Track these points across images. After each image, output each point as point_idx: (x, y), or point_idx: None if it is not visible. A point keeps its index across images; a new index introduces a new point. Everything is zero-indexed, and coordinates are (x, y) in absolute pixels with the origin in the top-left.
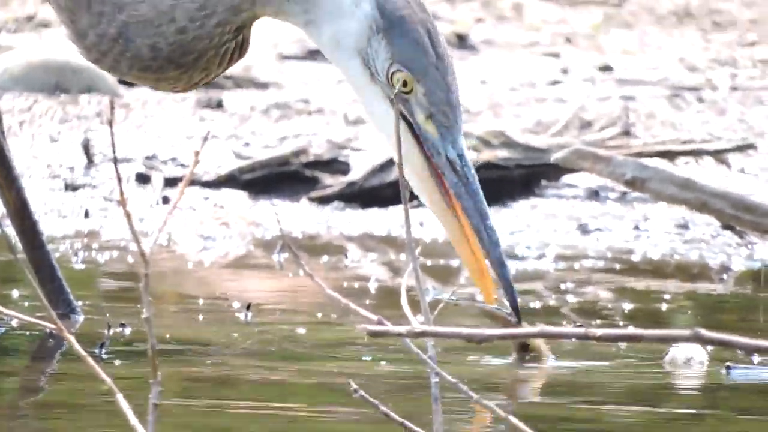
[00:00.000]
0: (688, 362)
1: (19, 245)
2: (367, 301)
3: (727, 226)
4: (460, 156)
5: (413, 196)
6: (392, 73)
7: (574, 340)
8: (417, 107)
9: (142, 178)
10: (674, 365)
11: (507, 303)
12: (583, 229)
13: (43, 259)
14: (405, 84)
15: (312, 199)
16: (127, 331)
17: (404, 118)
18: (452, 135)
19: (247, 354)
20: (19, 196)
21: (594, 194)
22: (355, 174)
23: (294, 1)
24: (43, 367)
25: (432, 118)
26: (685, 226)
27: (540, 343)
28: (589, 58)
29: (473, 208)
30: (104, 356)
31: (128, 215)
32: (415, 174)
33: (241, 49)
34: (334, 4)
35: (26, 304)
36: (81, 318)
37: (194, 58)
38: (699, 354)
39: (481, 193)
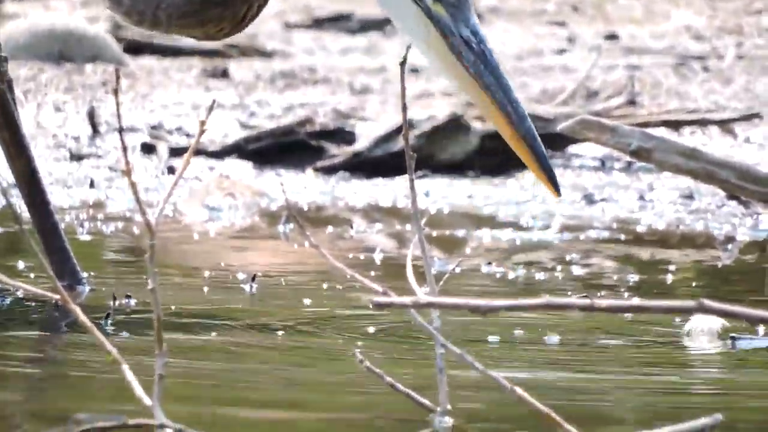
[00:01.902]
0: (698, 333)
1: (26, 215)
2: (373, 273)
3: (732, 197)
4: (474, 33)
5: (419, 166)
6: None
7: (579, 311)
8: None
9: (148, 148)
10: (689, 336)
11: (545, 175)
12: (589, 200)
13: (52, 230)
14: None
15: (317, 170)
16: (133, 302)
17: (417, 3)
18: (463, 14)
19: (252, 325)
20: (28, 165)
21: (600, 164)
22: (361, 144)
23: None
24: (49, 338)
25: (440, 0)
26: (690, 197)
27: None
28: (595, 27)
29: (495, 84)
30: (110, 327)
31: (133, 185)
32: (435, 54)
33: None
34: None
35: (32, 275)
36: (87, 289)
37: None
38: (711, 325)
39: (501, 67)
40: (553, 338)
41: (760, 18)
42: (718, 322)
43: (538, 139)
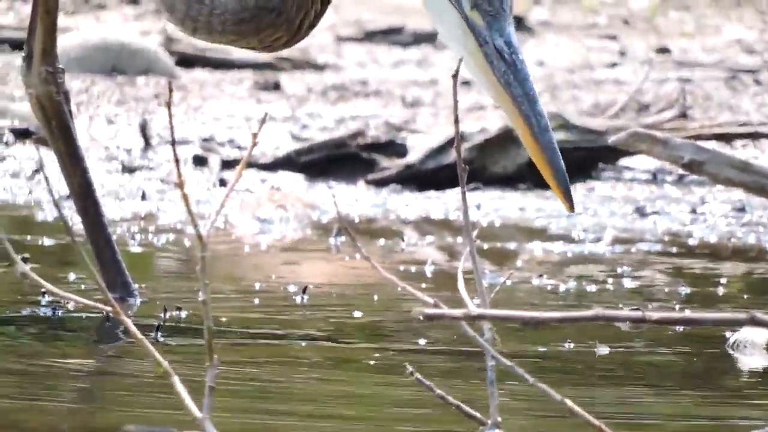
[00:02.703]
0: (748, 346)
1: (78, 227)
2: (424, 285)
3: None
4: (508, 43)
5: (470, 179)
6: None
7: (630, 323)
8: None
9: (199, 161)
10: (736, 349)
11: (559, 188)
12: (641, 212)
13: (105, 242)
14: None
15: (369, 182)
16: (184, 314)
17: (456, 9)
18: (499, 23)
19: (302, 337)
20: (84, 177)
21: (651, 177)
22: (413, 156)
23: None
24: (100, 350)
25: (477, 8)
26: (742, 209)
27: None
28: (646, 40)
29: (522, 95)
30: (160, 339)
31: (185, 197)
32: (472, 61)
33: (323, 7)
34: None
35: (83, 286)
36: (138, 301)
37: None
38: (761, 337)
39: (531, 78)
40: (603, 350)
41: None
42: (764, 335)
43: (558, 152)
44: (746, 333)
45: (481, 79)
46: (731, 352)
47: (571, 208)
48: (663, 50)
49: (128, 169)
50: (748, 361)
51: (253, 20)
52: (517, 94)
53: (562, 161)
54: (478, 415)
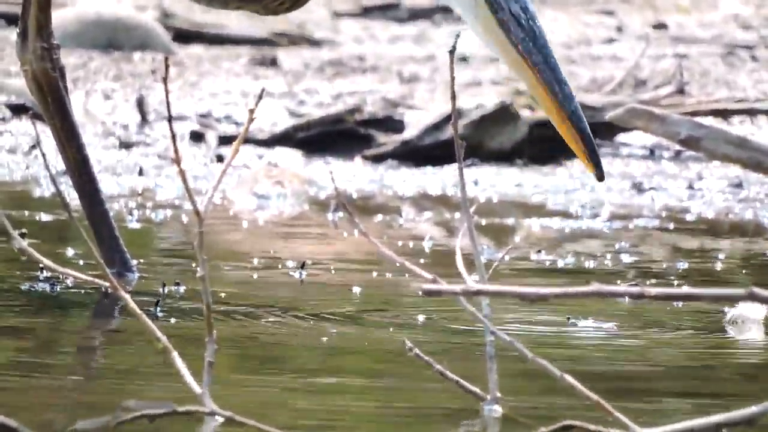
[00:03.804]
0: (743, 321)
1: (76, 203)
2: (422, 261)
3: None
4: (524, 9)
5: (467, 155)
6: None
7: (628, 299)
8: None
9: (197, 136)
10: (734, 325)
11: (588, 156)
12: (638, 188)
13: (102, 218)
14: None
15: (366, 158)
16: (182, 289)
17: None
18: None
19: (301, 312)
20: (80, 153)
21: (649, 153)
22: (410, 132)
23: None
24: (99, 325)
25: None
26: (739, 185)
27: None
28: (643, 15)
29: (543, 62)
30: (159, 314)
31: (182, 173)
32: (483, 28)
33: None
34: None
35: (81, 262)
36: (136, 276)
37: None
38: (757, 313)
39: (549, 45)
40: (605, 325)
41: None
42: (762, 311)
43: (584, 119)
44: (744, 309)
45: (496, 48)
46: (728, 327)
47: (601, 177)
48: (660, 26)
49: (125, 145)
50: (746, 337)
51: None
52: (537, 61)
53: (589, 129)
54: (477, 390)
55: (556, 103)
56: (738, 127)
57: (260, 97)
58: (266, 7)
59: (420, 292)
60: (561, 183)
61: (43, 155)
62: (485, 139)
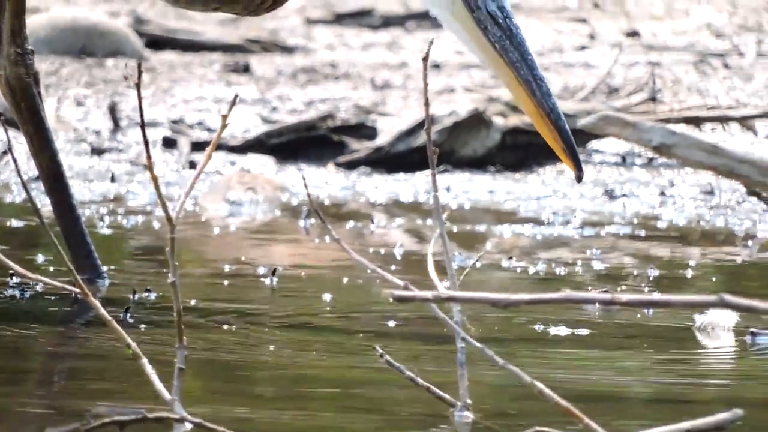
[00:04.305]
0: (716, 328)
1: (47, 209)
2: (393, 267)
3: (752, 193)
4: (501, 8)
5: (440, 162)
6: None
7: (599, 306)
8: None
9: (169, 143)
10: (703, 331)
11: (567, 154)
12: (610, 195)
13: (73, 224)
14: None
15: (339, 165)
16: (153, 295)
17: None
18: None
19: (272, 319)
20: (52, 159)
21: (621, 160)
22: (382, 139)
23: None
24: (69, 332)
25: None
26: (710, 193)
27: None
28: (616, 23)
29: (520, 59)
30: (130, 321)
31: (154, 179)
32: (460, 27)
33: None
34: None
35: (52, 268)
36: (107, 283)
37: None
38: (726, 320)
39: (527, 43)
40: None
41: None
42: (732, 318)
43: (563, 117)
44: (713, 316)
45: (473, 46)
46: (698, 334)
47: (580, 175)
48: (632, 33)
49: (97, 151)
50: (715, 344)
51: None
52: (514, 59)
53: (567, 127)
54: (447, 396)
55: (534, 101)
56: (710, 134)
57: (233, 103)
58: (246, 8)
59: (391, 299)
60: (533, 190)
61: (15, 161)
62: (458, 146)
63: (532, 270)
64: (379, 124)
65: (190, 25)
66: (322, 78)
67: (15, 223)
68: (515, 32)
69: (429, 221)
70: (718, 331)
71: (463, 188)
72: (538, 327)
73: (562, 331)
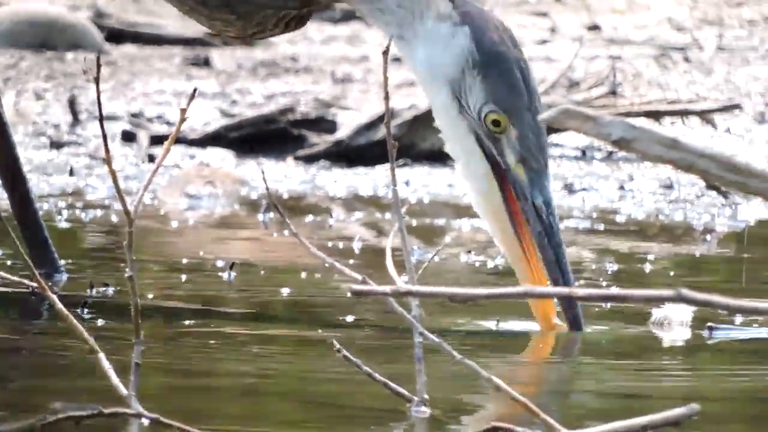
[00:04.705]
0: (672, 322)
1: (4, 203)
2: (352, 261)
3: (711, 187)
4: (547, 204)
5: (399, 155)
6: (487, 113)
7: (557, 300)
8: (509, 149)
9: (128, 136)
10: (659, 326)
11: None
12: (569, 189)
13: (31, 218)
14: (497, 124)
15: (298, 158)
16: (111, 290)
17: (492, 157)
18: (541, 181)
19: (230, 313)
20: (9, 152)
21: (580, 154)
22: (342, 133)
23: (385, 11)
24: (25, 326)
25: (524, 163)
26: (670, 187)
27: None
28: (577, 17)
29: (554, 261)
30: (87, 315)
31: (113, 173)
32: (494, 216)
33: (302, 20)
34: (431, 30)
35: (9, 262)
36: (65, 277)
37: (250, 11)
38: (683, 315)
39: (563, 244)
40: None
41: (741, 9)
42: (689, 312)
43: (581, 322)
44: (670, 310)
45: (500, 237)
46: (655, 329)
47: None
48: (593, 27)
49: (56, 145)
50: (672, 338)
51: (213, 9)
52: (548, 258)
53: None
54: (405, 392)
55: (563, 307)
56: (670, 128)
57: (192, 96)
58: (212, 27)
59: (350, 293)
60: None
61: None
62: (417, 140)
63: (491, 264)
64: (339, 117)
65: (151, 19)
66: (282, 71)
67: None
68: (555, 230)
69: (388, 215)
70: (674, 325)
71: (423, 182)
72: (493, 322)
73: (517, 325)
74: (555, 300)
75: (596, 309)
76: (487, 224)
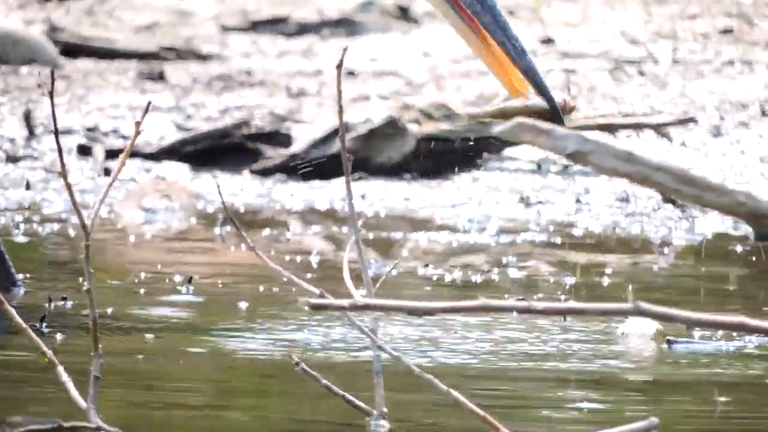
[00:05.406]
0: (632, 336)
1: None
2: (309, 275)
3: (668, 200)
4: None
5: (355, 169)
6: None
7: (516, 313)
8: None
9: (84, 150)
10: (624, 339)
11: (553, 110)
12: (525, 202)
13: None
14: None
15: (254, 172)
16: (69, 304)
17: None
18: None
19: (188, 327)
20: None
21: (536, 167)
22: (297, 146)
23: None
24: None
25: None
26: (626, 200)
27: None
28: (531, 30)
29: (493, 22)
30: (45, 329)
31: (69, 187)
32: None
33: None
34: None
35: None
36: (22, 291)
37: None
38: (645, 328)
39: (497, 5)
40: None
41: (695, 23)
42: (651, 326)
43: (539, 73)
44: (634, 324)
45: (443, 14)
46: (619, 341)
47: (562, 121)
48: (547, 41)
49: (12, 159)
50: (634, 351)
51: None
52: (486, 21)
53: (545, 82)
54: (364, 405)
55: (512, 60)
56: (625, 141)
57: (147, 110)
58: None
59: (307, 307)
60: (448, 197)
61: None
62: (373, 153)
63: (448, 277)
64: (294, 131)
65: (105, 33)
66: (237, 85)
67: None
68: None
69: (345, 229)
70: (638, 338)
71: (379, 195)
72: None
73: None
74: (517, 68)
75: (556, 322)
76: (437, 8)
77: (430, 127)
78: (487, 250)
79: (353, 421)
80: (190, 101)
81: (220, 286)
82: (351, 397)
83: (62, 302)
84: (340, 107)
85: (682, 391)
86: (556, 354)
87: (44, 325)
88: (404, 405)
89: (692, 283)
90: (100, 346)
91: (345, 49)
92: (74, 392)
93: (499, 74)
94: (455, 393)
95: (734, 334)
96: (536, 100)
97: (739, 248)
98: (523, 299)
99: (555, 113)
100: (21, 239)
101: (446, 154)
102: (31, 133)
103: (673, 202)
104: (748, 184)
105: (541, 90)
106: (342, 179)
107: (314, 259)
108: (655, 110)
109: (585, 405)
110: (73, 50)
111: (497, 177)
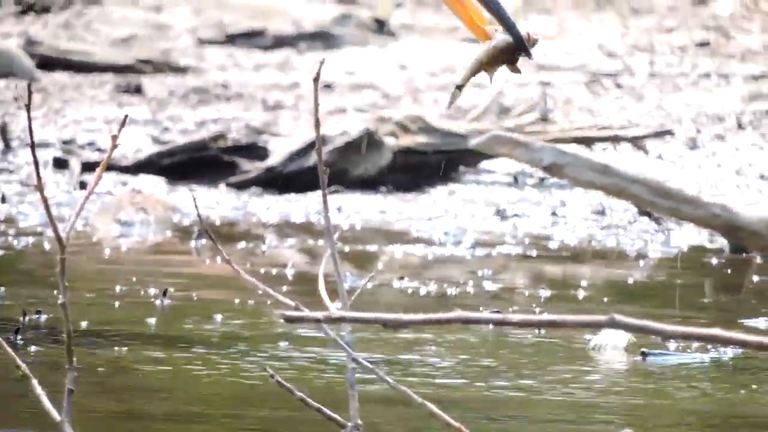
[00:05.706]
0: (606, 348)
1: None
2: (285, 288)
3: (644, 212)
4: None
5: (332, 182)
6: None
7: (491, 326)
8: None
9: (60, 163)
10: (597, 351)
11: (518, 42)
12: (501, 215)
13: None
14: None
15: (230, 185)
16: (44, 317)
17: None
18: None
19: (163, 340)
20: None
21: (512, 180)
22: (274, 159)
23: None
24: None
25: None
26: (602, 213)
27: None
28: None
29: None
30: (20, 342)
31: (45, 200)
32: None
33: None
34: None
35: None
36: None
37: None
38: (618, 340)
39: None
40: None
41: (672, 36)
42: (624, 338)
43: (502, 6)
44: (606, 336)
45: None
46: (592, 354)
47: (528, 54)
48: None
49: None
50: (608, 363)
51: None
52: None
53: (509, 15)
54: (338, 417)
55: None
56: (601, 154)
57: (123, 123)
58: None
59: (282, 319)
60: (424, 210)
61: None
62: (349, 166)
63: (423, 290)
64: (270, 144)
65: (82, 46)
66: (213, 98)
67: None
68: None
69: (321, 241)
70: (611, 350)
71: (355, 208)
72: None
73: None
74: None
75: (531, 335)
76: None
77: (406, 140)
78: (463, 263)
79: None
80: (167, 114)
81: (196, 298)
82: (326, 410)
83: (37, 315)
84: (317, 120)
85: (657, 402)
86: (526, 362)
87: (19, 337)
88: (379, 416)
89: (668, 295)
90: (74, 358)
91: (322, 62)
92: (48, 405)
93: (463, 17)
94: (429, 404)
95: (708, 345)
96: (500, 38)
97: (714, 261)
98: (498, 311)
99: (521, 45)
100: None
101: (422, 167)
102: (7, 147)
103: (649, 215)
104: (724, 196)
105: (506, 23)
106: (318, 192)
107: (290, 272)
108: (631, 123)
109: (556, 415)
110: (50, 63)
111: (473, 190)
